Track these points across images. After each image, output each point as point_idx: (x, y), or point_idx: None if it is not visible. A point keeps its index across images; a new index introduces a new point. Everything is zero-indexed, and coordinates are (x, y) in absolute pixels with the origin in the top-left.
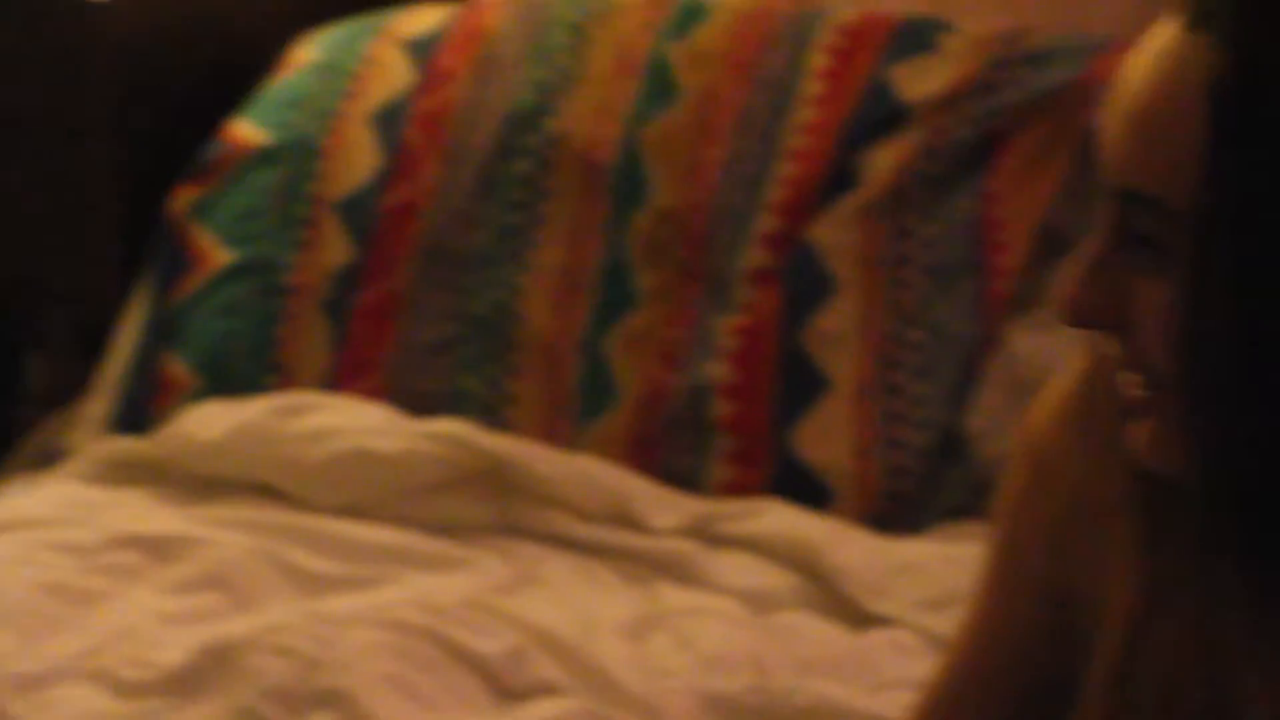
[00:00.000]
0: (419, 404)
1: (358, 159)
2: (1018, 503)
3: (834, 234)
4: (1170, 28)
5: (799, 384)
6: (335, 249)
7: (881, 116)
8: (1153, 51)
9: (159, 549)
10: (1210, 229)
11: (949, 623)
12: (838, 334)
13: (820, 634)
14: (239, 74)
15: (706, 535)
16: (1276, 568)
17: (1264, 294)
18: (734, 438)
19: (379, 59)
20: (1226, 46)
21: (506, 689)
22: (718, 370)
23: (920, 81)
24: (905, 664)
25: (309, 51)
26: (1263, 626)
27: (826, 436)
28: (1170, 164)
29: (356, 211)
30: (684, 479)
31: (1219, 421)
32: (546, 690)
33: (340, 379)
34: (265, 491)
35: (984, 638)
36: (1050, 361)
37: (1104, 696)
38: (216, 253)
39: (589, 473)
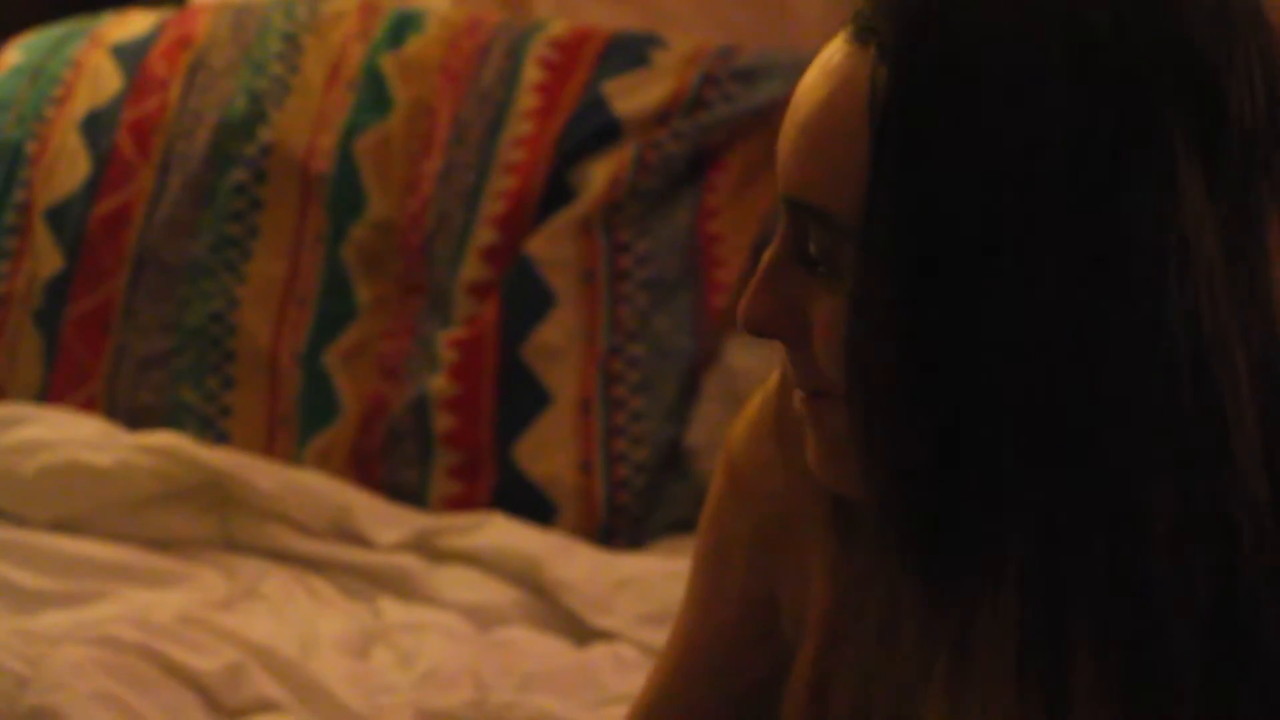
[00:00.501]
0: (136, 417)
1: (67, 166)
2: (718, 515)
3: (551, 248)
4: (839, 42)
5: (520, 397)
6: (45, 258)
7: (596, 130)
8: (822, 65)
9: None
10: (871, 244)
11: None
12: (558, 348)
13: (542, 649)
14: None
15: (429, 550)
16: (945, 575)
17: (920, 309)
18: (456, 451)
19: (87, 64)
20: (886, 61)
21: (224, 707)
22: (439, 383)
23: (633, 96)
24: (627, 678)
25: (13, 55)
26: (936, 636)
27: (549, 450)
28: (836, 178)
29: (66, 220)
30: (407, 493)
31: (880, 435)
32: (265, 707)
33: (53, 391)
34: None
35: (689, 649)
36: (767, 376)
37: (802, 708)
38: None
39: (310, 487)
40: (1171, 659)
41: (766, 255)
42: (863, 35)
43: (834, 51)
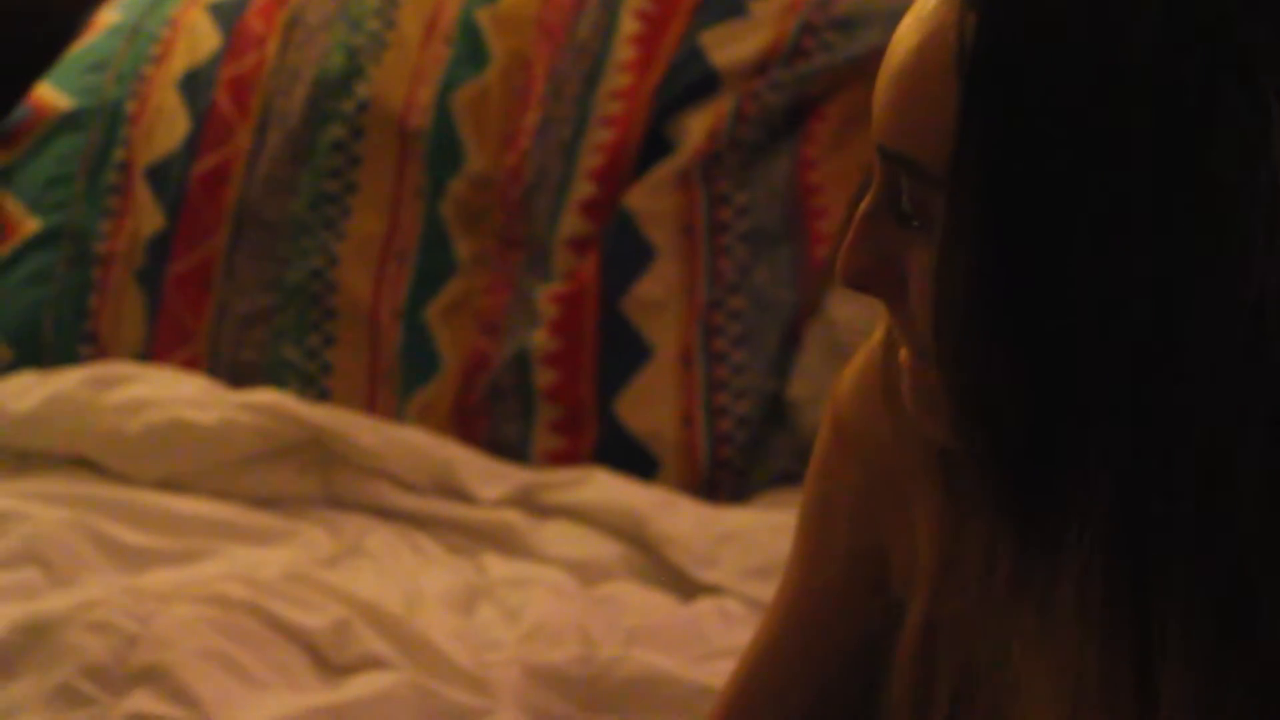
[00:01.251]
0: (238, 375)
1: (166, 125)
2: (825, 469)
3: (650, 201)
4: None
5: (621, 352)
6: (146, 217)
7: (694, 82)
8: (916, 13)
9: None
10: (957, 195)
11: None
12: (658, 301)
13: (647, 603)
14: (46, 38)
15: (532, 505)
16: (1034, 526)
17: (1007, 260)
18: (558, 406)
19: (184, 22)
20: (974, 8)
21: (331, 663)
22: (539, 338)
23: (731, 47)
24: (732, 632)
25: (111, 14)
26: (1025, 589)
27: (650, 404)
28: (927, 128)
29: (166, 178)
30: (509, 448)
31: (968, 388)
32: (372, 664)
33: (156, 349)
34: (81, 464)
35: (796, 604)
36: (869, 327)
37: (911, 662)
38: (23, 221)
39: (412, 443)
40: (1263, 619)
41: (861, 207)
42: None
43: (928, 1)
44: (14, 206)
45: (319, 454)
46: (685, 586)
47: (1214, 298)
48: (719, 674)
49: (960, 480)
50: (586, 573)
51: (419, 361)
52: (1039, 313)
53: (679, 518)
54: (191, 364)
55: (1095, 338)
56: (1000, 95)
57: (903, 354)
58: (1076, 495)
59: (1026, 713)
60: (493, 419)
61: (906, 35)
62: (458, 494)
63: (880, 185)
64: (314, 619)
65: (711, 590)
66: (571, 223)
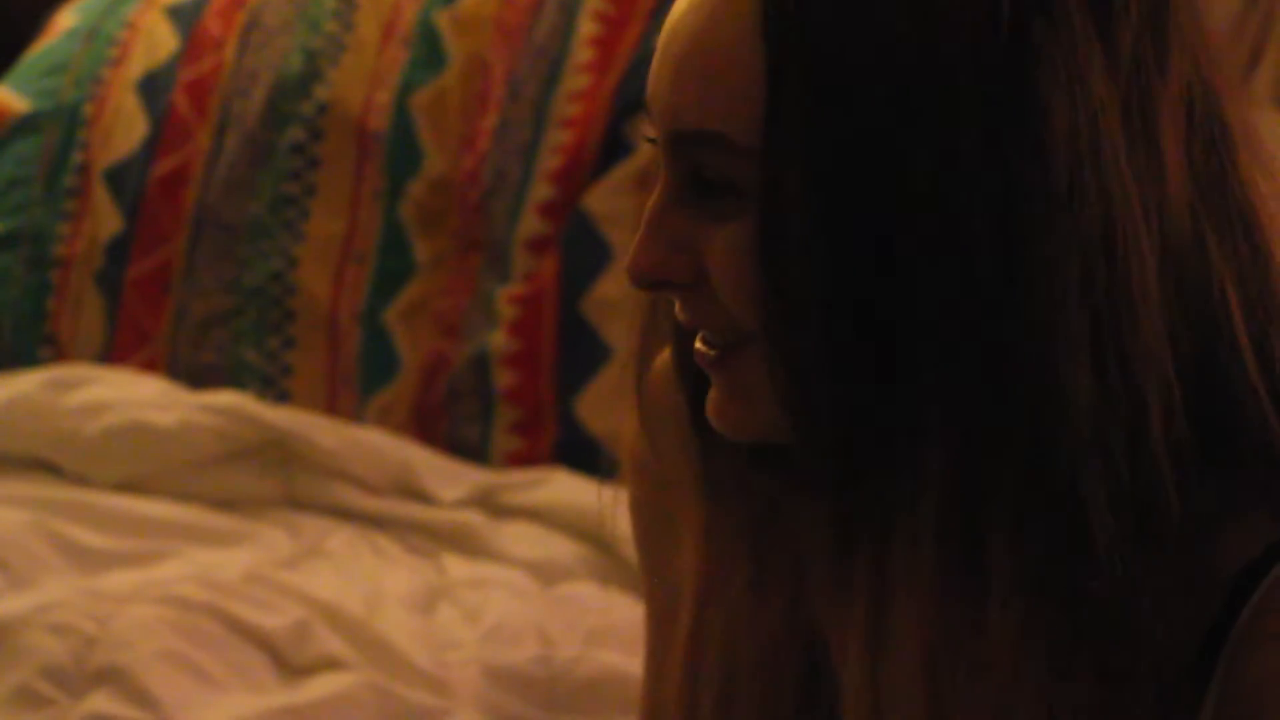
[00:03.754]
0: (198, 377)
1: (124, 127)
2: (630, 503)
3: (609, 202)
4: None
5: (580, 352)
6: (105, 219)
7: None
8: None
9: None
10: (779, 162)
11: None
12: (617, 301)
13: (606, 603)
14: (6, 46)
15: (492, 506)
16: (863, 500)
17: (837, 218)
18: (517, 407)
19: (142, 25)
20: None
21: (290, 664)
22: (498, 339)
23: None
24: None
25: (69, 18)
26: (850, 569)
27: (610, 404)
28: (729, 98)
29: (125, 181)
30: (469, 450)
31: (804, 362)
32: (331, 664)
33: (116, 352)
34: (40, 466)
35: (647, 629)
36: None
37: (678, 670)
38: None
39: (372, 444)
40: (1089, 540)
41: (650, 204)
42: None
43: None
44: None
45: (279, 455)
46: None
47: (1045, 224)
48: None
49: (727, 487)
50: (546, 573)
51: (378, 363)
52: (873, 264)
53: None
54: (151, 366)
55: (931, 279)
56: (812, 51)
57: (699, 350)
58: (910, 454)
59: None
60: (452, 420)
61: (690, 13)
62: (418, 495)
63: (669, 175)
64: (273, 620)
65: None
66: (530, 224)
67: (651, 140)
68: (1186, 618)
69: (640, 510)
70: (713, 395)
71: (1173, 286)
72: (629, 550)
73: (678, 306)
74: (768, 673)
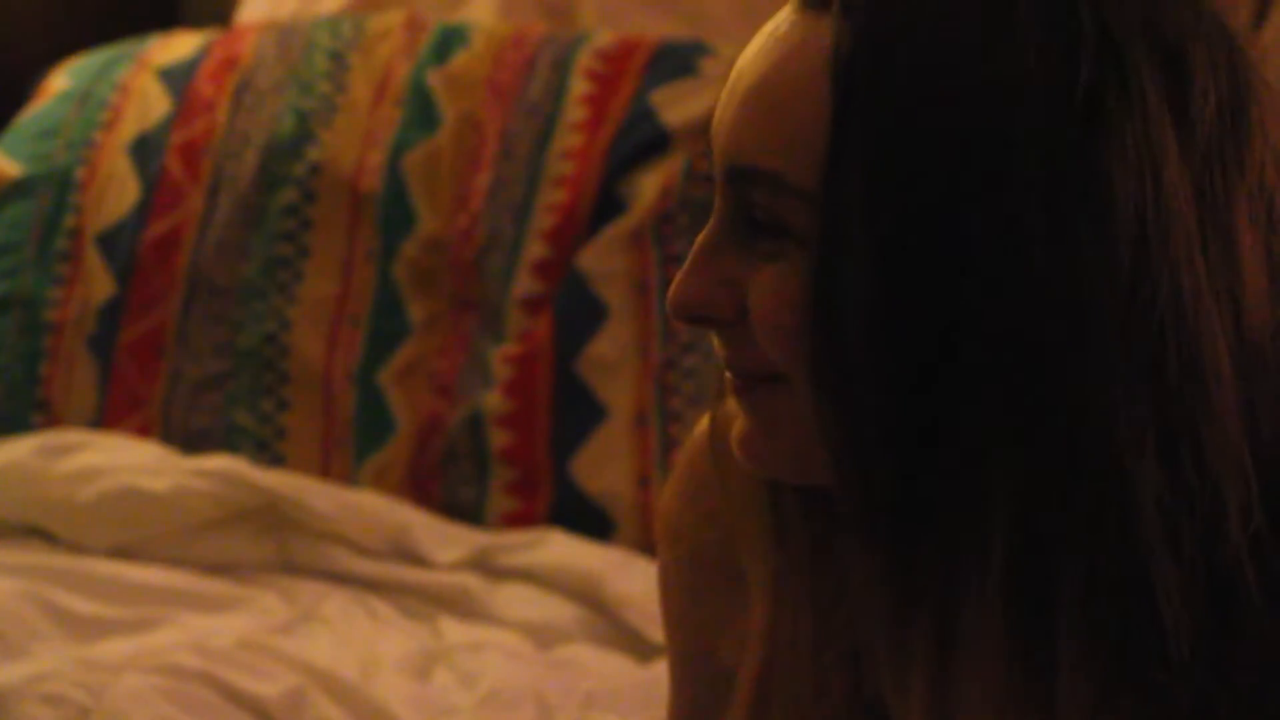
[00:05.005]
0: (191, 441)
1: (117, 190)
2: (663, 584)
3: (603, 261)
4: (787, 13)
5: (576, 412)
6: (97, 283)
7: (645, 141)
8: (773, 34)
9: None
10: (837, 209)
11: None
12: (612, 361)
13: (604, 667)
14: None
15: (488, 568)
16: (920, 561)
17: (893, 272)
18: (513, 468)
19: (134, 88)
20: (846, 26)
21: None
22: (493, 400)
23: (681, 106)
24: None
25: (61, 81)
26: (913, 628)
27: (605, 465)
28: (792, 142)
29: (117, 244)
30: (465, 511)
31: (849, 410)
32: None
33: (109, 417)
34: (33, 533)
35: (675, 714)
36: None
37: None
38: None
39: (367, 507)
40: (1161, 630)
41: (699, 238)
42: (817, 1)
43: (781, 21)
44: None
45: (273, 519)
46: (643, 648)
47: (1111, 306)
48: None
49: (793, 531)
50: (543, 636)
51: (373, 425)
52: (927, 325)
53: (636, 579)
54: (144, 430)
55: (989, 349)
56: (880, 105)
57: (732, 386)
58: (971, 525)
59: None
60: (447, 481)
61: (762, 55)
62: (413, 558)
63: (722, 210)
64: (268, 687)
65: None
66: (524, 283)
67: (708, 177)
68: (1267, 707)
69: (673, 580)
70: (738, 427)
71: (1248, 376)
72: (627, 612)
73: (716, 341)
74: (854, 694)
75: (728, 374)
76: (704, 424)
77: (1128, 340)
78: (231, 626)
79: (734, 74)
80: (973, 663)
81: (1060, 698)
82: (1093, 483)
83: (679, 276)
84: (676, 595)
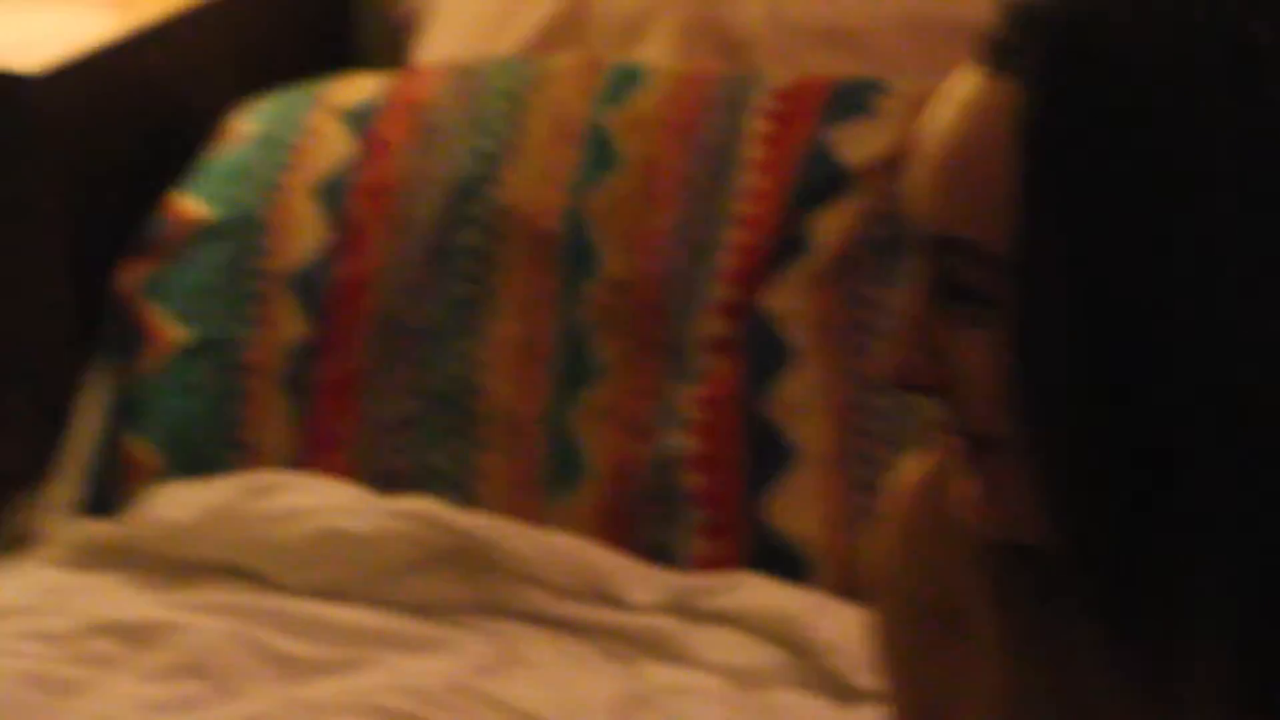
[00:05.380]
0: (386, 481)
1: (303, 232)
2: (880, 633)
3: (788, 301)
4: (971, 74)
5: (767, 453)
6: (289, 325)
7: (825, 180)
8: (956, 98)
9: (136, 635)
10: (1032, 273)
11: None
12: (801, 402)
13: (808, 710)
14: (177, 144)
15: (686, 610)
16: (1146, 634)
17: (1095, 340)
18: (705, 510)
19: (318, 130)
20: (1033, 88)
21: None
22: (683, 441)
23: (860, 144)
24: None
25: (247, 123)
26: (1138, 696)
27: (799, 507)
28: (982, 206)
29: (307, 286)
30: (658, 553)
31: (1061, 477)
32: None
33: (305, 457)
34: (238, 573)
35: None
36: None
37: None
38: (172, 330)
39: (564, 549)
40: None
41: (907, 303)
42: (1003, 64)
43: (963, 81)
44: (160, 316)
45: (472, 561)
46: (845, 693)
47: None
48: None
49: (1018, 591)
50: (745, 679)
51: (565, 465)
52: (1134, 390)
53: (836, 622)
54: (338, 470)
55: (1200, 411)
56: (1067, 169)
57: (953, 448)
58: (1195, 597)
59: None
60: (640, 523)
61: (947, 119)
62: (610, 600)
63: (925, 276)
64: None
65: (873, 696)
66: (709, 324)
67: (889, 217)
68: None
69: (894, 633)
70: (962, 487)
71: None
72: (829, 656)
73: (931, 403)
74: None
75: (948, 436)
76: (910, 473)
77: None
78: (436, 668)
79: (922, 135)
80: None
81: None
82: None
83: (892, 347)
84: (899, 649)
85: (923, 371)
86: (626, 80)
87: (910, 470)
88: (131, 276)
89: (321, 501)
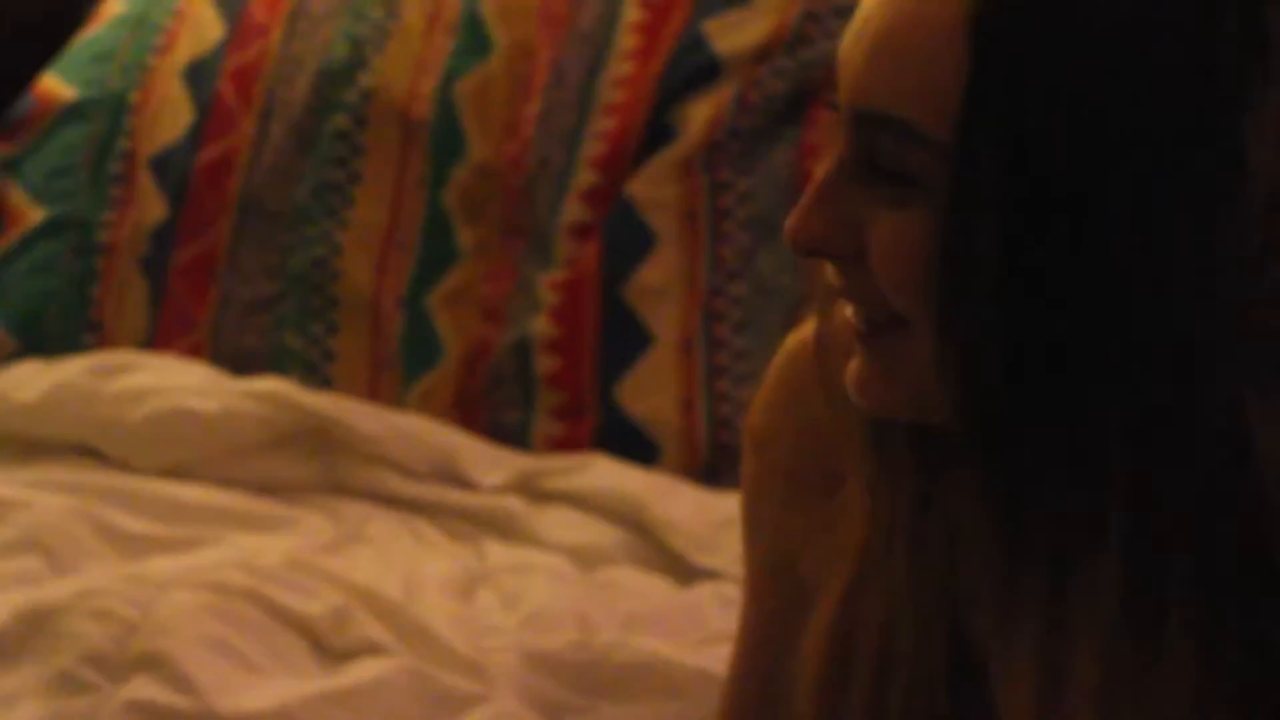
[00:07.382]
0: (240, 363)
1: (170, 114)
2: (750, 490)
3: (652, 188)
4: None
5: (622, 338)
6: (150, 206)
7: (696, 70)
8: None
9: None
10: (974, 159)
11: None
12: (659, 288)
13: (646, 589)
14: (54, 31)
15: (532, 491)
16: (1029, 503)
17: (1026, 225)
18: (558, 393)
19: (188, 12)
20: None
21: (330, 649)
22: (540, 325)
23: (733, 34)
24: (731, 617)
25: (116, 5)
26: (1024, 584)
27: (651, 390)
28: (924, 88)
29: (170, 168)
30: (510, 435)
31: (981, 352)
32: (370, 650)
33: (159, 338)
34: (85, 453)
35: (748, 628)
36: None
37: (823, 651)
38: (28, 211)
39: (414, 430)
40: (1275, 593)
41: (820, 172)
42: None
43: None
44: (19, 197)
45: (321, 441)
46: (684, 571)
47: (1240, 262)
48: (718, 659)
49: (894, 455)
50: (586, 558)
51: (421, 349)
52: (1057, 279)
53: (679, 503)
54: (194, 352)
55: (1116, 302)
56: (1019, 56)
57: (852, 324)
58: (1089, 480)
59: (1014, 689)
60: (493, 406)
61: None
62: (458, 480)
63: (846, 149)
64: (313, 606)
65: (710, 575)
66: (573, 210)
67: (833, 106)
68: None
69: (761, 487)
70: (854, 367)
71: None
72: (670, 536)
73: (832, 271)
74: (923, 669)
75: (848, 314)
76: (801, 335)
77: (1255, 305)
78: (278, 546)
79: (863, 14)
80: (1084, 617)
81: (1170, 657)
82: (1214, 441)
83: (798, 210)
84: (764, 502)
85: (828, 239)
86: None
87: (799, 331)
88: None
89: (171, 382)
